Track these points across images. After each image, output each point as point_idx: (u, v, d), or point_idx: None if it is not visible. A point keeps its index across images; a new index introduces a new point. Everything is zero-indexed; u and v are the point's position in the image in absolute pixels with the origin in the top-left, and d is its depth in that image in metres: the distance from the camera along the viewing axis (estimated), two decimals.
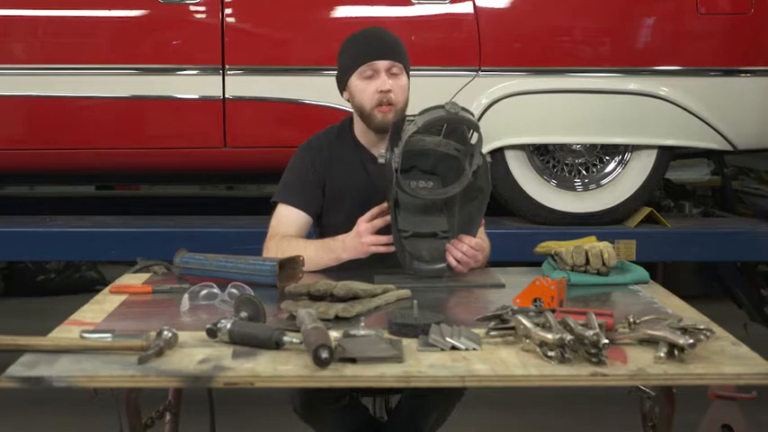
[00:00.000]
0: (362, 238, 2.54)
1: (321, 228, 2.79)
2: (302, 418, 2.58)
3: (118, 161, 3.76)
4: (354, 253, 2.57)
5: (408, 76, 2.73)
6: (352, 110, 2.76)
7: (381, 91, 2.64)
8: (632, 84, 3.71)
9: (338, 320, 2.05)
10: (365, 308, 2.14)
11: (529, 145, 3.79)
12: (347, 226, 2.62)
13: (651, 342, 1.83)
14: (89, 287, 6.04)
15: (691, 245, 3.76)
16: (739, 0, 3.75)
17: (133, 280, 2.57)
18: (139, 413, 2.30)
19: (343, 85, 2.74)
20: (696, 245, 3.76)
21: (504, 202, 3.84)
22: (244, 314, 1.97)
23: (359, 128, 2.77)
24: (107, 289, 2.44)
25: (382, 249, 2.54)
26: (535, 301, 2.10)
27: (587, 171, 3.86)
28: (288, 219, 2.72)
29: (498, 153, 3.74)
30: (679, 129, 3.75)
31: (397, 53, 2.69)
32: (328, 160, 2.75)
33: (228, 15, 3.65)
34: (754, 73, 3.74)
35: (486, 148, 3.69)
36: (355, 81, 2.68)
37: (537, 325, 1.82)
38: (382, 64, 2.65)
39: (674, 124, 3.74)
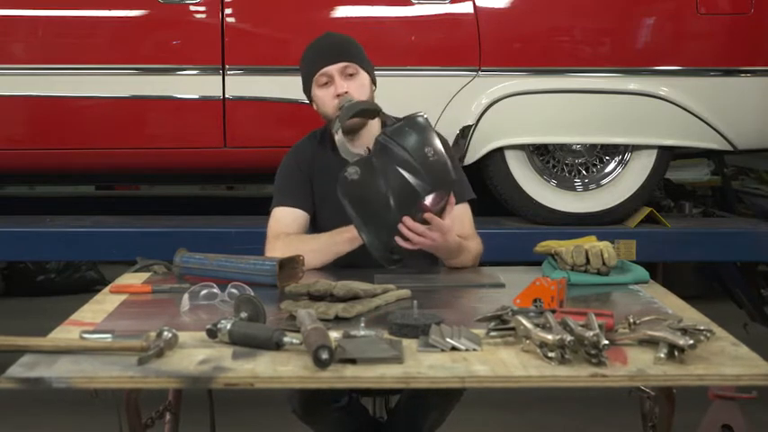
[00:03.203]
0: None
1: (316, 231, 2.78)
2: (301, 419, 2.58)
3: (118, 161, 3.76)
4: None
5: (370, 73, 2.72)
6: None
7: (338, 95, 2.65)
8: (632, 84, 3.71)
9: (338, 321, 2.05)
10: (365, 308, 2.14)
11: (529, 145, 3.79)
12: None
13: (651, 342, 1.83)
14: (89, 287, 6.04)
15: (691, 245, 3.76)
16: (739, 0, 3.75)
17: (133, 279, 2.56)
18: (139, 413, 2.30)
19: (309, 99, 2.76)
20: (696, 245, 3.76)
21: (504, 202, 3.83)
22: (244, 314, 1.97)
23: (336, 135, 2.77)
24: (107, 289, 2.44)
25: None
26: (535, 301, 2.10)
27: (587, 171, 3.86)
28: (286, 219, 2.72)
29: (498, 153, 3.74)
30: (679, 129, 3.75)
31: (347, 54, 2.69)
32: (312, 163, 2.77)
33: (228, 15, 3.65)
34: (754, 73, 3.74)
35: (486, 148, 3.70)
36: (315, 91, 2.70)
37: (537, 326, 1.81)
38: (334, 68, 2.66)
39: (674, 124, 3.74)
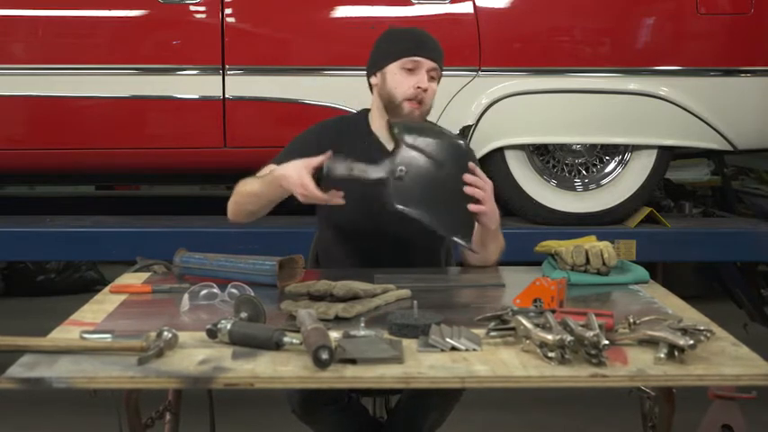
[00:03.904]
0: (304, 179, 2.45)
1: (329, 218, 2.75)
2: (301, 419, 2.58)
3: (118, 161, 3.76)
4: (289, 184, 2.48)
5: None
6: (372, 101, 2.75)
7: (419, 87, 2.64)
8: (632, 84, 3.71)
9: (338, 321, 2.05)
10: (365, 308, 2.14)
11: (529, 145, 3.80)
12: (356, 218, 2.61)
13: (651, 342, 1.83)
14: (89, 287, 6.04)
15: (691, 245, 3.76)
16: (739, 0, 3.75)
17: (133, 279, 2.56)
18: (139, 413, 2.30)
19: (377, 68, 2.71)
20: (696, 245, 3.76)
21: (504, 202, 3.83)
22: (244, 314, 1.97)
23: (378, 117, 2.74)
24: (107, 289, 2.43)
25: (309, 199, 2.46)
26: (535, 301, 2.10)
27: (587, 171, 3.86)
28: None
29: (498, 153, 3.74)
30: (679, 129, 3.75)
31: (440, 58, 2.70)
32: (336, 146, 2.70)
33: (228, 15, 3.65)
34: (754, 73, 3.74)
35: (486, 148, 3.71)
36: (394, 69, 2.66)
37: (537, 326, 1.81)
38: (427, 63, 2.66)
39: (674, 124, 3.74)
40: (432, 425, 2.63)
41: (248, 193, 2.63)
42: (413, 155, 2.47)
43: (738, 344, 1.88)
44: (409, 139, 2.47)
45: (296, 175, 2.46)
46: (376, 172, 2.46)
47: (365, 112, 2.79)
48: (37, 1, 3.67)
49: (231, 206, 2.67)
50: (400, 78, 2.66)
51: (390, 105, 2.68)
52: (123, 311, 2.20)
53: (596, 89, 3.71)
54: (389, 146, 2.70)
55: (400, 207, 2.46)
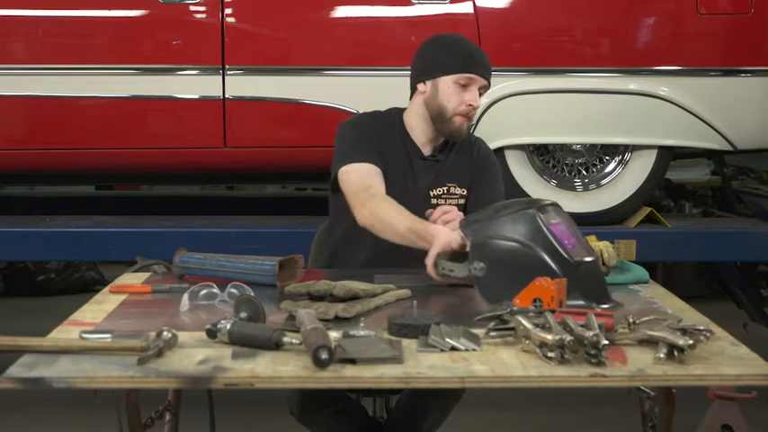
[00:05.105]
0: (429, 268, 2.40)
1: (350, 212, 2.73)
2: (299, 421, 2.58)
3: (118, 161, 3.76)
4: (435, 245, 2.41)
5: None
6: (411, 104, 2.75)
7: (470, 104, 2.64)
8: (632, 84, 3.71)
9: (338, 321, 2.05)
10: (365, 308, 2.14)
11: (529, 145, 3.80)
12: None
13: (651, 342, 1.83)
14: (89, 287, 6.05)
15: (691, 245, 3.76)
16: (739, 0, 3.75)
17: (133, 279, 2.56)
18: (139, 413, 2.31)
19: (428, 77, 2.69)
20: (696, 245, 3.76)
21: None
22: (243, 314, 1.97)
23: (419, 123, 2.73)
24: (107, 289, 2.43)
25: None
26: (535, 301, 2.10)
27: (587, 171, 3.86)
28: (370, 173, 2.61)
29: (498, 153, 3.74)
30: (679, 129, 3.75)
31: (490, 77, 2.71)
32: (377, 140, 2.70)
33: (228, 15, 3.65)
34: (754, 73, 3.74)
35: None
36: (448, 82, 2.65)
37: (537, 326, 1.81)
38: (480, 80, 2.66)
39: (674, 124, 3.74)
40: (432, 425, 2.63)
41: (390, 227, 2.49)
42: (486, 246, 2.29)
43: (738, 344, 1.88)
44: (478, 233, 2.31)
45: (448, 239, 2.38)
46: (462, 271, 2.33)
47: (398, 111, 2.78)
48: (37, 1, 3.67)
49: (366, 219, 2.55)
50: (453, 92, 2.65)
51: (440, 118, 2.67)
52: (123, 311, 2.20)
53: (596, 89, 3.71)
54: (425, 151, 2.71)
55: (495, 305, 2.21)
